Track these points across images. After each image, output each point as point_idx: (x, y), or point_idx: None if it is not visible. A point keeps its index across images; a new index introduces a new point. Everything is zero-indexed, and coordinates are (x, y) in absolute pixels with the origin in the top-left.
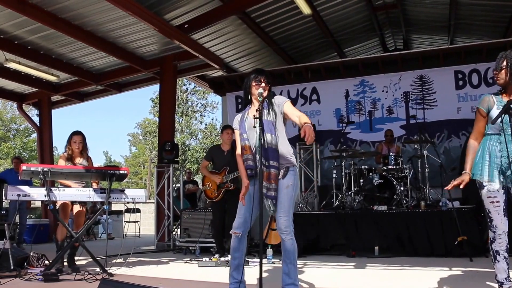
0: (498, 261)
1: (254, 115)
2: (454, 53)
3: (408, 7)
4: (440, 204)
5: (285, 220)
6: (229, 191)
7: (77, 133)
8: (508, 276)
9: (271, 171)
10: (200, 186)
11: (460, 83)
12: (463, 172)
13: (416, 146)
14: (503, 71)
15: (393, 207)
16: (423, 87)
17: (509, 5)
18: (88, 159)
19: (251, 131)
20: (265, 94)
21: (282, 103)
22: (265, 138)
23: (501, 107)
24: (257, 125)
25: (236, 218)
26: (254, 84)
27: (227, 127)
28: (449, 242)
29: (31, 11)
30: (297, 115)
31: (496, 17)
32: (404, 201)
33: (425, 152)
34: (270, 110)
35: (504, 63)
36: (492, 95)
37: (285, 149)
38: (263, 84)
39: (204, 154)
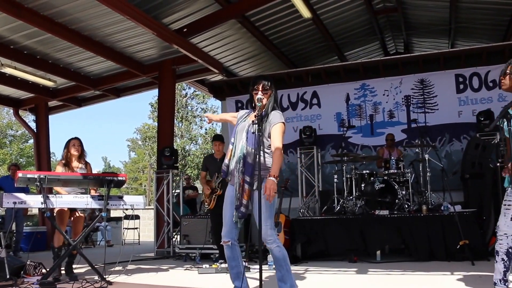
0: (496, 262)
1: (253, 121)
2: (455, 56)
3: (408, 11)
4: (442, 208)
5: (266, 230)
6: (220, 196)
7: (74, 138)
8: (504, 279)
9: (245, 186)
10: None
11: (461, 86)
12: None
13: (417, 150)
14: (507, 77)
15: (395, 212)
16: (424, 90)
17: (509, 9)
18: (87, 164)
19: (239, 134)
20: (264, 101)
21: (273, 123)
22: (247, 149)
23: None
24: (256, 131)
25: (223, 227)
26: (253, 93)
27: (215, 139)
28: (451, 246)
29: (27, 15)
30: (273, 144)
31: (495, 20)
32: (406, 206)
33: (426, 156)
34: (263, 122)
35: (509, 69)
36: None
37: (266, 161)
38: (259, 93)
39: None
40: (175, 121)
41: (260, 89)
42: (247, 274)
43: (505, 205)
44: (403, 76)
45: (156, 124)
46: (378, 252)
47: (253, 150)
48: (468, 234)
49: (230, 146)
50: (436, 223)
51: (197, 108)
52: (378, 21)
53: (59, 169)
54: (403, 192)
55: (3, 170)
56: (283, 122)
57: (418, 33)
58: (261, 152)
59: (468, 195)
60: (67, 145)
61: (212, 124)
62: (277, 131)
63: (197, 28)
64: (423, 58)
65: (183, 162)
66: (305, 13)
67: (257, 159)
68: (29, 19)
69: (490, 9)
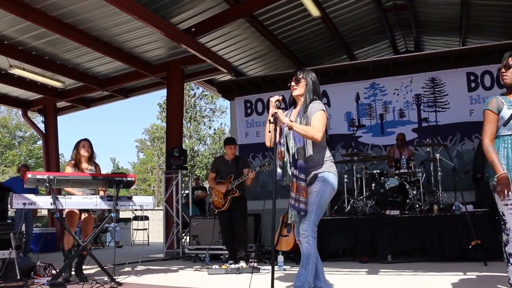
0: (511, 265)
1: (269, 120)
2: (466, 54)
3: (418, 8)
4: (453, 208)
5: (304, 224)
6: (235, 198)
7: (84, 139)
8: None
9: (300, 184)
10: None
11: (472, 85)
12: (500, 174)
13: (428, 149)
14: (510, 70)
15: (406, 212)
16: (434, 89)
17: None
18: (96, 166)
19: (288, 135)
20: (295, 92)
21: (313, 113)
22: (294, 148)
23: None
24: (272, 129)
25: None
26: (290, 86)
27: (229, 143)
28: (463, 246)
29: (35, 16)
30: (313, 125)
31: (507, 17)
32: (417, 205)
33: (437, 156)
34: (302, 117)
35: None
36: (499, 96)
37: (315, 156)
38: (293, 84)
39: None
40: (184, 122)
41: (294, 79)
42: (255, 276)
43: (506, 204)
44: (413, 74)
45: (165, 124)
46: (389, 253)
47: (302, 146)
48: (480, 234)
49: (282, 148)
50: (447, 223)
51: (205, 108)
52: (388, 19)
53: (69, 170)
54: (414, 192)
55: (12, 171)
56: (323, 110)
57: (428, 31)
58: (308, 149)
59: (480, 194)
60: (77, 146)
61: (222, 124)
62: (317, 117)
63: (205, 28)
64: (434, 56)
65: (191, 162)
66: (314, 11)
67: (302, 158)
68: (37, 20)
69: (502, 6)
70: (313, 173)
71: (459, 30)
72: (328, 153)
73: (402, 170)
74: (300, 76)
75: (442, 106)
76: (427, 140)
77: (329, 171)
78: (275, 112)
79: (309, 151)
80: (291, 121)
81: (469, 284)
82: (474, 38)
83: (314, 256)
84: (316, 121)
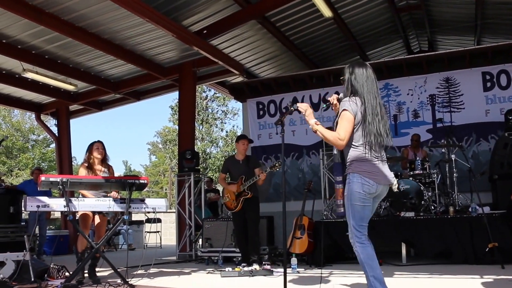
0: None
1: (275, 122)
2: (481, 53)
3: (432, 8)
4: (470, 209)
5: (349, 232)
6: (247, 199)
7: (98, 141)
8: None
9: (336, 187)
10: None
11: (488, 84)
12: None
13: (443, 150)
14: None
15: (421, 213)
16: (449, 89)
17: None
18: (109, 167)
19: None
20: (339, 96)
21: (339, 114)
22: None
23: None
24: (279, 133)
25: None
26: None
27: (242, 137)
28: (479, 249)
29: (47, 21)
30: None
31: None
32: (432, 207)
33: (453, 157)
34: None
35: None
36: None
37: (347, 157)
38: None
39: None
40: (196, 124)
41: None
42: (269, 278)
43: None
44: (427, 74)
45: (177, 127)
46: (404, 255)
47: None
48: (497, 237)
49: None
50: (463, 225)
51: (217, 111)
52: (401, 19)
53: (82, 172)
54: (429, 194)
55: (26, 174)
56: (345, 109)
57: (442, 30)
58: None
59: (497, 196)
60: (90, 148)
61: (235, 126)
62: (339, 121)
63: (217, 30)
64: (448, 56)
65: (204, 165)
66: (326, 12)
67: (337, 160)
68: (49, 24)
69: None
70: (345, 174)
71: (473, 29)
72: (357, 153)
73: (416, 171)
74: (341, 78)
75: (457, 107)
76: (442, 141)
77: (354, 172)
78: (293, 111)
79: (344, 151)
80: (317, 124)
81: (486, 287)
82: (489, 37)
83: (364, 263)
84: (338, 126)
